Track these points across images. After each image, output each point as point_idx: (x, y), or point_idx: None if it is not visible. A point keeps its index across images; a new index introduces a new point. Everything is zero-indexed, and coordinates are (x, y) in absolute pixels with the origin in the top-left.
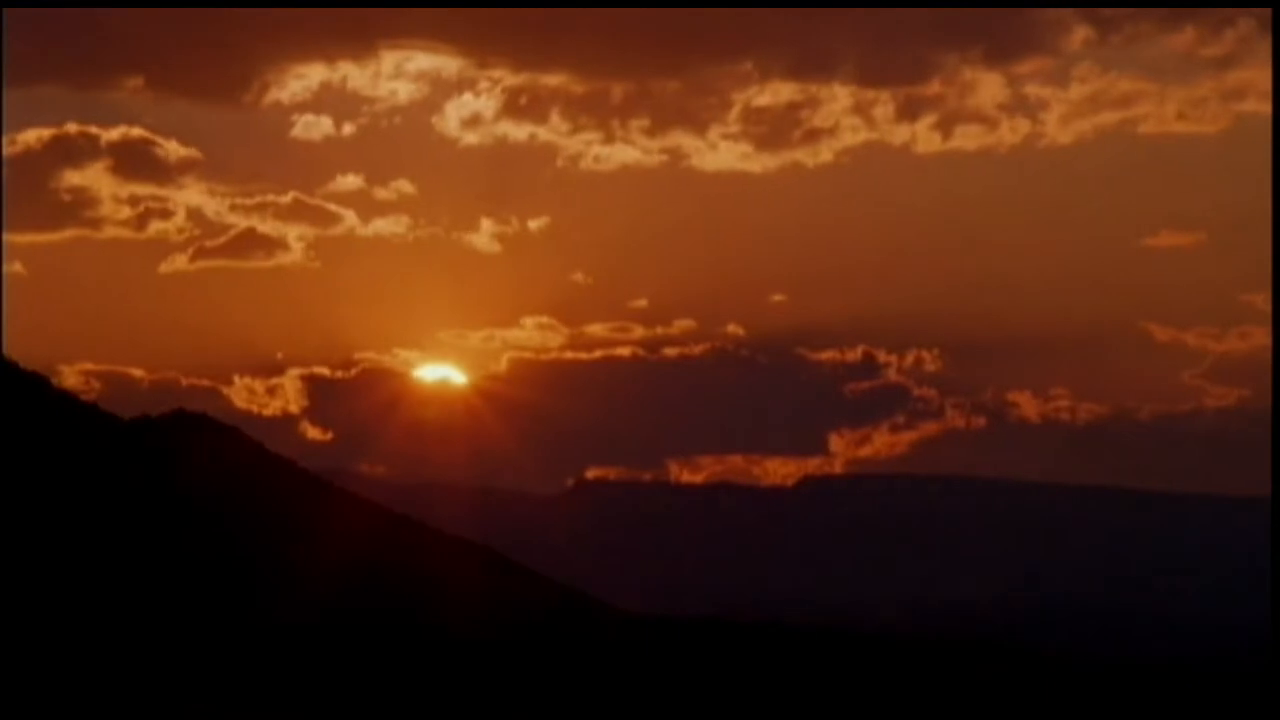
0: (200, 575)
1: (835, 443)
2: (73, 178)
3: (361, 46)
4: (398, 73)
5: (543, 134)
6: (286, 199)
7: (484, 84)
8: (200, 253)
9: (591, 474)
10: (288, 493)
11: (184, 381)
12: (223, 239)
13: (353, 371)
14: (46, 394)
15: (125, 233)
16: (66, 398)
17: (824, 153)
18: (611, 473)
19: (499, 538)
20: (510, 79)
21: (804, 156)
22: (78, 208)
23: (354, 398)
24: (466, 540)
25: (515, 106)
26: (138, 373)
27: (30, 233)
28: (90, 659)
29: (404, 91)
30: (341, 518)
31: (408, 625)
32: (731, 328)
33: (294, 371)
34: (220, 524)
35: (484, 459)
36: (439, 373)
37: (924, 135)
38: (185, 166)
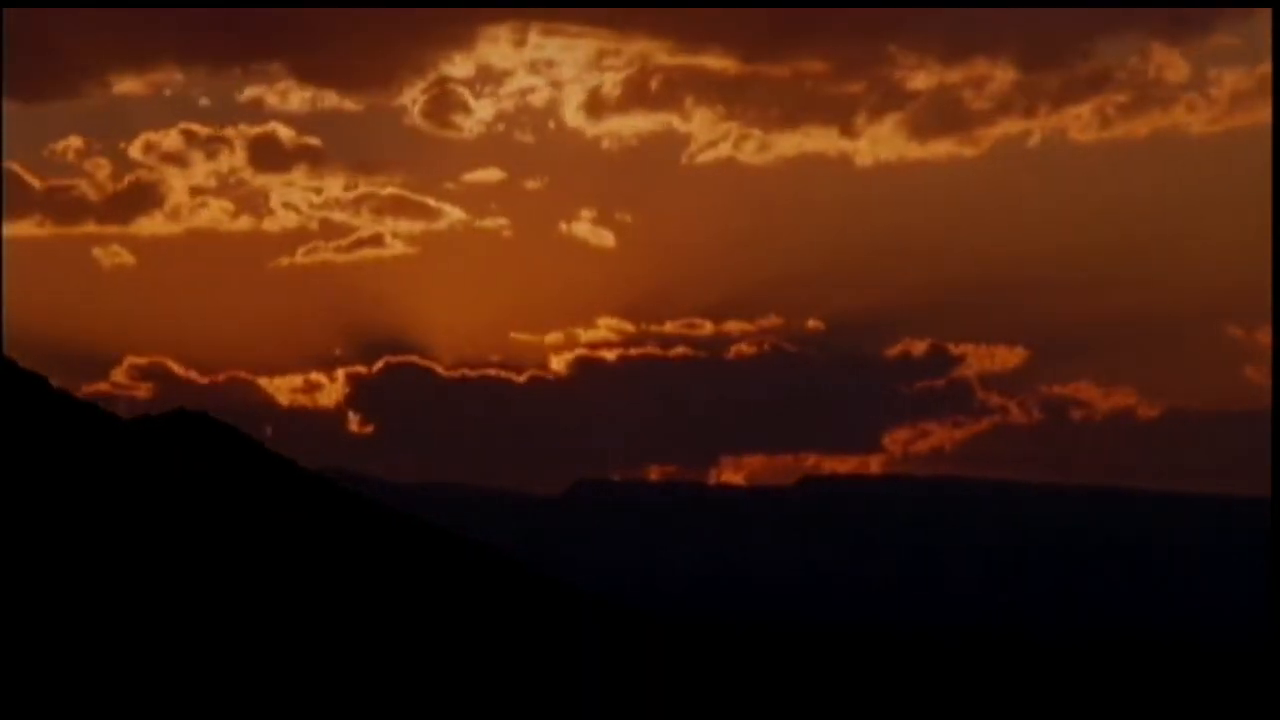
0: (198, 576)
1: (886, 441)
2: (202, 170)
3: (511, 32)
4: (541, 61)
5: (677, 123)
6: (403, 193)
7: (623, 70)
8: (313, 249)
9: (619, 475)
10: (287, 493)
11: (220, 377)
12: (338, 233)
13: (386, 371)
14: (45, 393)
15: (245, 226)
16: (65, 397)
17: (981, 141)
18: (655, 472)
19: (503, 541)
20: (651, 65)
21: (957, 146)
22: (199, 202)
23: (387, 398)
24: (468, 541)
25: (653, 94)
26: (181, 368)
27: (151, 225)
28: (87, 662)
29: (542, 81)
30: (342, 518)
31: (408, 626)
32: (812, 323)
33: (341, 370)
34: (218, 524)
35: (498, 460)
36: (487, 373)
37: (1087, 120)
38: (315, 158)
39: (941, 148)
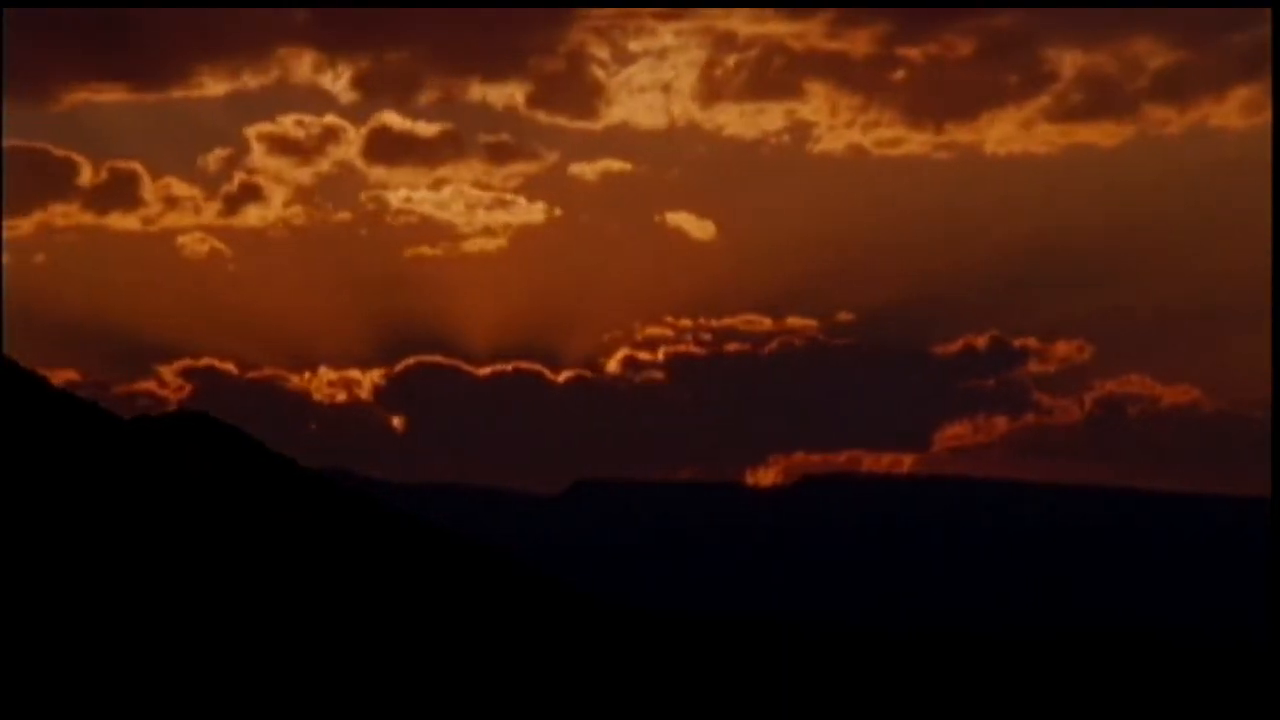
0: (198, 576)
1: (932, 439)
2: (314, 164)
3: (637, 20)
4: (669, 48)
5: (803, 110)
6: (501, 192)
7: (750, 54)
8: (403, 244)
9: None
10: (288, 493)
11: (251, 375)
12: (432, 229)
13: (415, 371)
14: (45, 393)
15: (340, 220)
16: (66, 396)
17: (1125, 130)
18: (686, 473)
19: (506, 540)
20: (782, 50)
21: (1094, 135)
22: (297, 198)
23: (414, 398)
24: (467, 541)
25: (781, 82)
26: (230, 368)
27: (248, 219)
28: (87, 662)
29: (666, 67)
30: (342, 518)
31: (409, 625)
32: (876, 319)
33: (376, 370)
34: (218, 525)
35: (507, 460)
36: (521, 373)
37: (1245, 103)
38: (424, 150)
39: (1080, 134)
